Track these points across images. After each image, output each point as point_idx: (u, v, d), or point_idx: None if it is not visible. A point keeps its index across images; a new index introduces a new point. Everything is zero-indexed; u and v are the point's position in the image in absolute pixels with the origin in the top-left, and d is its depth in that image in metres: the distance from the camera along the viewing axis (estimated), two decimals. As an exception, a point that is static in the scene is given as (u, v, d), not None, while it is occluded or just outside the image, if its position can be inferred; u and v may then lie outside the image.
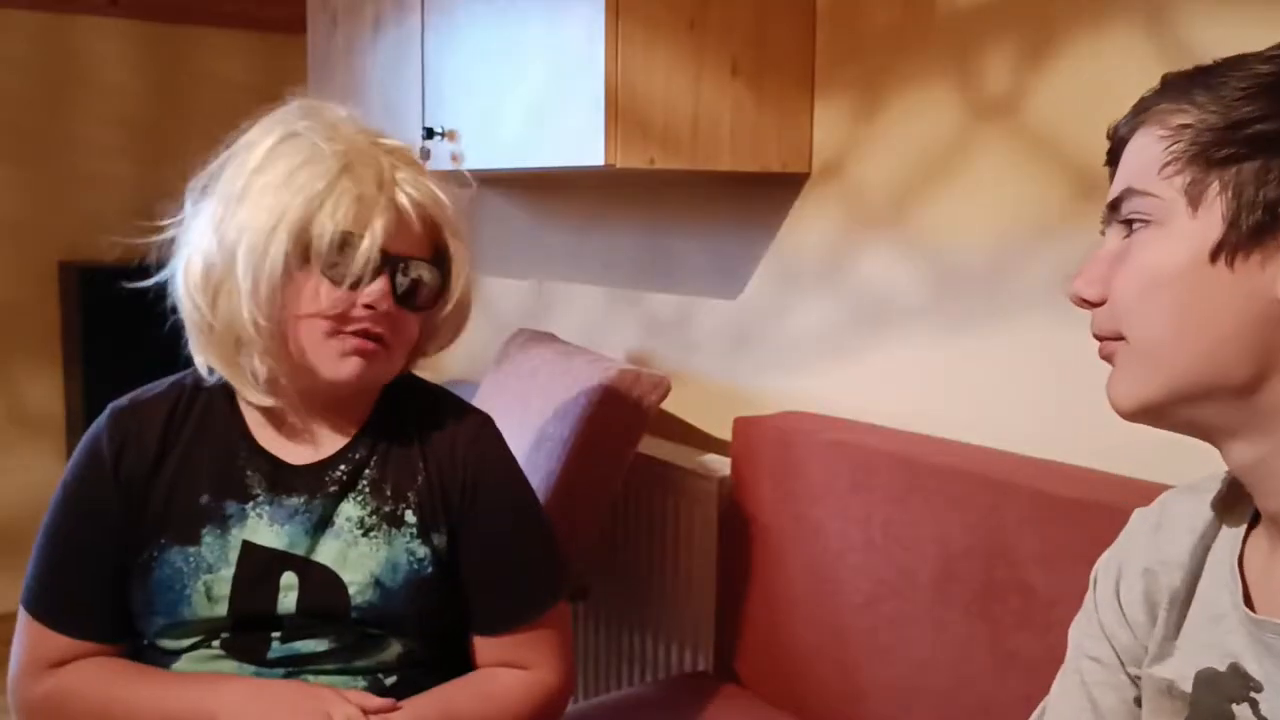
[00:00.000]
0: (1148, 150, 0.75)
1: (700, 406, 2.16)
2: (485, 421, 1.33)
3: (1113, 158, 0.80)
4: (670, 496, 1.97)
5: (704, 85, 1.75)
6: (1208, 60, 0.76)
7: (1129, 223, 0.76)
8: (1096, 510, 1.28)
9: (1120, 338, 0.76)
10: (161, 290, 1.27)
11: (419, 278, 1.20)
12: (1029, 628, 1.36)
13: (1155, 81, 0.77)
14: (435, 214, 1.21)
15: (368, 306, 1.15)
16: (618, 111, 1.67)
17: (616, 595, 2.11)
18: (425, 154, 2.14)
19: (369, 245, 1.13)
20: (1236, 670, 0.74)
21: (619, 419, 1.82)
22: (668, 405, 1.97)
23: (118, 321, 3.10)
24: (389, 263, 1.16)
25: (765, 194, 1.97)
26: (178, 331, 1.27)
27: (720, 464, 1.94)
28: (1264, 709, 0.72)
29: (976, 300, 1.64)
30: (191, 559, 1.19)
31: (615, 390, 1.83)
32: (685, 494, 1.94)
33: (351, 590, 1.19)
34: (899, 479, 1.54)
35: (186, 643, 1.20)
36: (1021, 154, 1.56)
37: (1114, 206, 0.77)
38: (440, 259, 1.23)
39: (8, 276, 3.25)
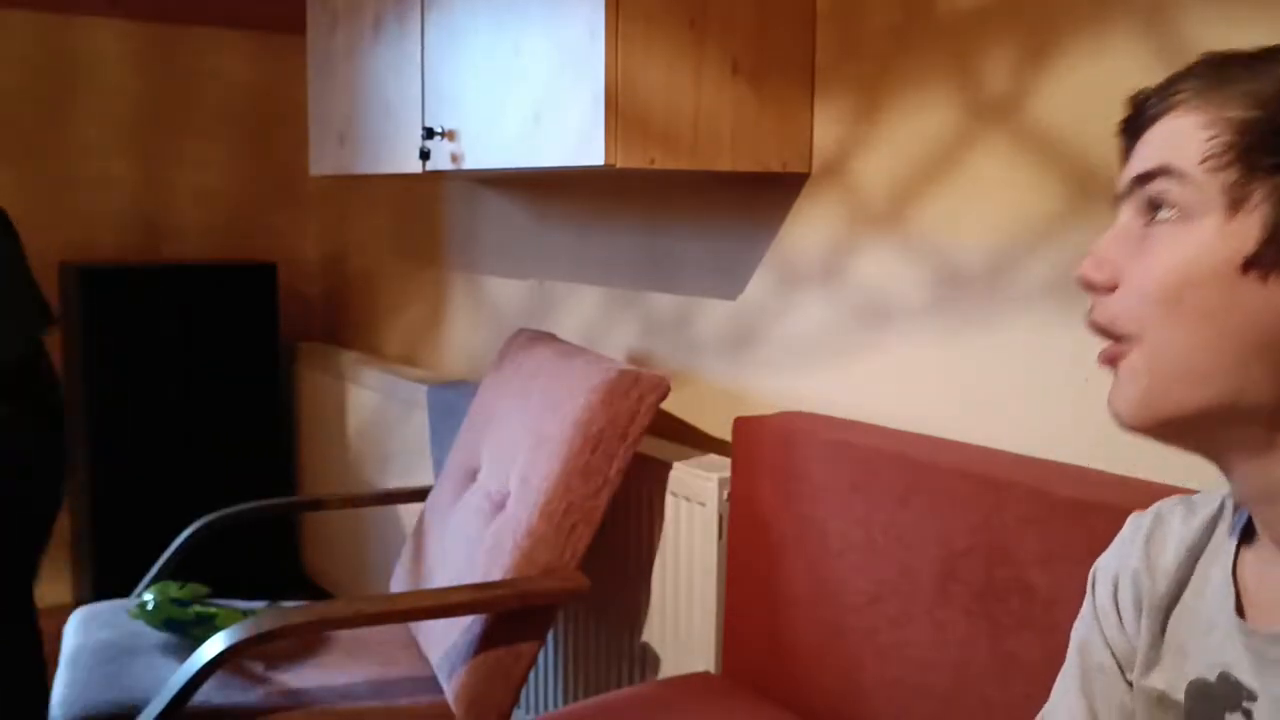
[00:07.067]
0: (1186, 135, 0.69)
1: (700, 406, 2.16)
2: None
3: (1132, 128, 0.74)
4: (670, 496, 1.97)
5: (704, 85, 1.75)
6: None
7: (1154, 205, 0.70)
8: (1096, 510, 1.28)
9: (1123, 337, 0.71)
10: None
11: None
12: (1029, 628, 1.36)
13: (1156, 81, 0.76)
14: None
15: None
16: (618, 111, 1.67)
17: (616, 595, 2.11)
18: (425, 154, 2.14)
19: None
20: (1226, 679, 0.72)
21: (619, 419, 1.82)
22: (668, 405, 1.97)
23: (118, 321, 3.11)
24: None
25: (765, 194, 1.97)
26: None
27: (720, 464, 1.94)
28: (1257, 717, 0.70)
29: (976, 300, 1.64)
30: None
31: (615, 390, 1.83)
32: (685, 494, 1.94)
33: None
34: (899, 479, 1.54)
35: None
36: (1021, 154, 1.56)
37: (1142, 180, 0.71)
38: None
39: (8, 276, 3.25)
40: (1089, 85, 1.47)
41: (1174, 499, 0.84)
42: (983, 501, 1.43)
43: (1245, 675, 0.71)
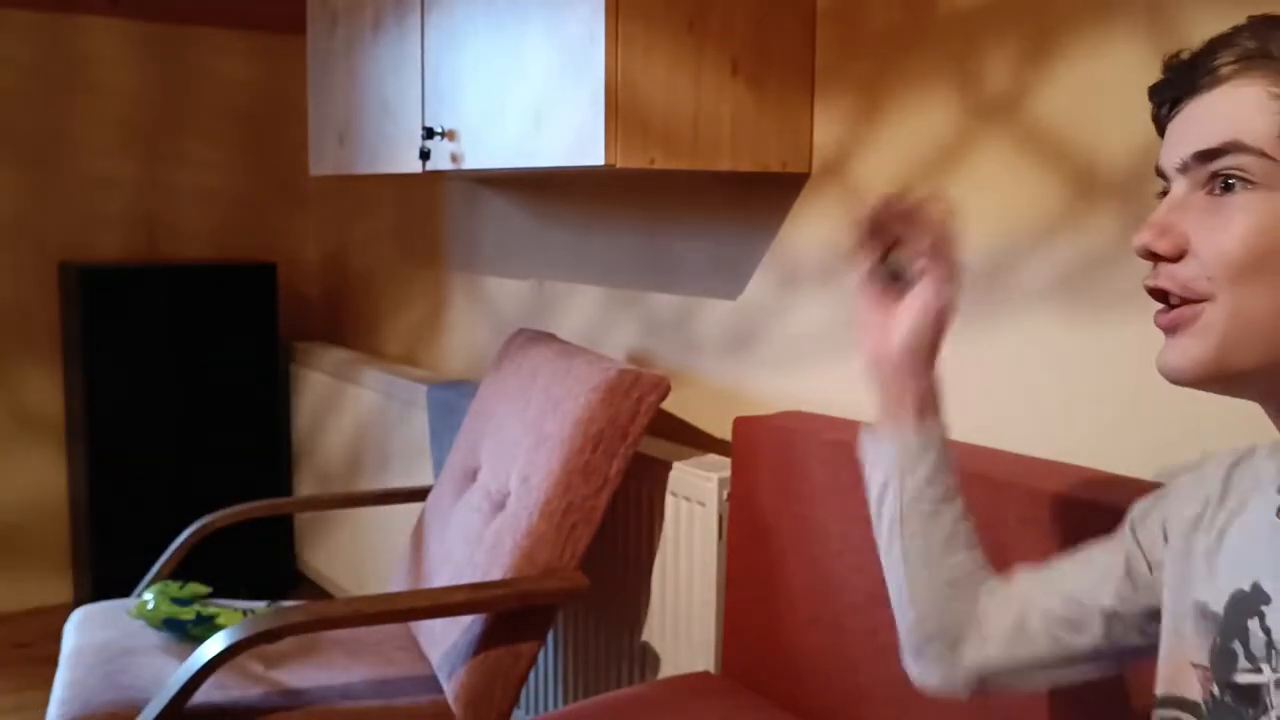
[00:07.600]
0: (1256, 105, 0.69)
1: (700, 406, 2.16)
2: None
3: (1171, 95, 0.75)
4: (670, 496, 1.97)
5: (704, 85, 1.75)
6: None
7: (1224, 177, 0.71)
8: (1096, 510, 1.28)
9: (1193, 300, 0.72)
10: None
11: None
12: (1029, 628, 1.36)
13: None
14: None
15: None
16: (618, 111, 1.67)
17: (616, 595, 2.11)
18: (425, 154, 2.14)
19: None
20: (1258, 588, 0.74)
21: (619, 419, 1.82)
22: (668, 405, 1.97)
23: (118, 321, 3.11)
24: None
25: (765, 194, 1.97)
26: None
27: (720, 464, 1.94)
28: (1269, 620, 0.72)
29: (977, 300, 1.64)
30: None
31: (615, 390, 1.83)
32: (685, 494, 1.94)
33: None
34: (899, 479, 1.53)
35: None
36: (1021, 154, 1.56)
37: (1208, 156, 0.71)
38: None
39: (8, 276, 3.25)
40: (1089, 85, 1.47)
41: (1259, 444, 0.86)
42: (982, 501, 1.42)
43: (1268, 583, 0.73)
